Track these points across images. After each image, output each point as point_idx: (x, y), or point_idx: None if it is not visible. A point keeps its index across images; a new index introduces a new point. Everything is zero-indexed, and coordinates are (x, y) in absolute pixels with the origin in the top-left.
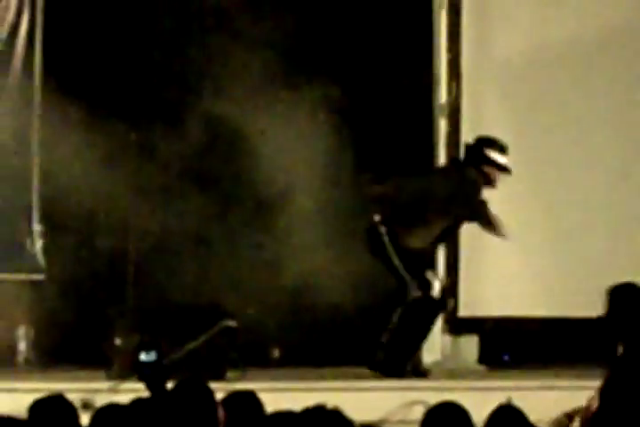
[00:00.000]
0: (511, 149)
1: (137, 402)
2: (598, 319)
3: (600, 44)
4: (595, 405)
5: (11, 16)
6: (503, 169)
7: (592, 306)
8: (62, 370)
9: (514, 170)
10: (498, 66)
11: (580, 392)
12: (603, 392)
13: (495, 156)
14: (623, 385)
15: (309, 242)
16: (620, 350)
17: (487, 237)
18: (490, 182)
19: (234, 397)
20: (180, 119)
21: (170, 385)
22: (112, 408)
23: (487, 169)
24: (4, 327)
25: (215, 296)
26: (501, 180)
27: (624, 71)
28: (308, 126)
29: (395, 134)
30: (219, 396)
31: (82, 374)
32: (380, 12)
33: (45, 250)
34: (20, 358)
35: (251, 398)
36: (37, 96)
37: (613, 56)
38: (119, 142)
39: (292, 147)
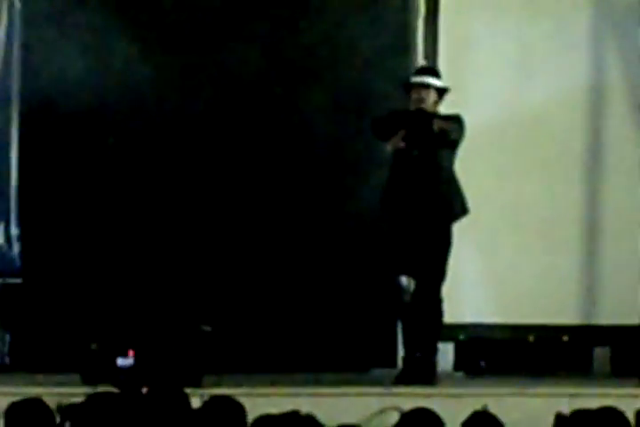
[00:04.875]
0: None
1: (111, 407)
2: None
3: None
4: None
5: None
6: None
7: (568, 312)
8: (38, 374)
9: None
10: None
11: (555, 399)
12: None
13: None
14: None
15: None
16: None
17: (462, 243)
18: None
19: (214, 401)
20: None
21: (145, 391)
22: (86, 412)
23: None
24: None
25: None
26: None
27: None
28: None
29: None
30: (194, 402)
31: (57, 378)
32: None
33: (23, 254)
34: None
35: (232, 404)
36: (15, 99)
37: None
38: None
39: None
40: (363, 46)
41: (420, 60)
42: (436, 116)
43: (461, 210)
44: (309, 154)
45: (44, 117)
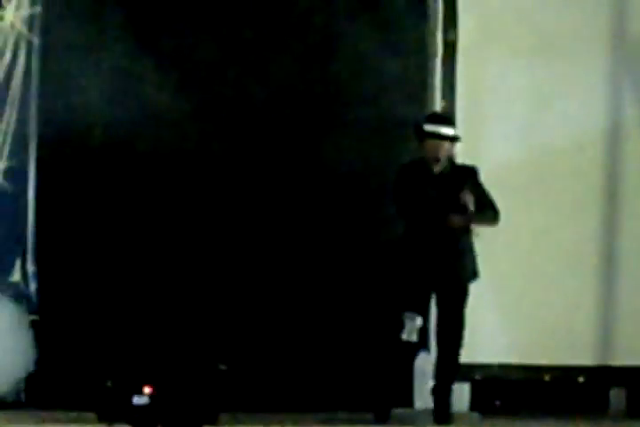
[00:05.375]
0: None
1: None
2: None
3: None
4: None
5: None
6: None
7: (584, 353)
8: (54, 411)
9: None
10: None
11: None
12: None
13: (427, 127)
14: None
15: None
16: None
17: (479, 283)
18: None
19: None
20: None
21: None
22: None
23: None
24: None
25: None
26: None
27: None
28: None
29: None
30: None
31: (73, 415)
32: None
33: (40, 291)
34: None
35: None
36: (33, 140)
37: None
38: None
39: None
40: (382, 90)
41: (438, 103)
42: (465, 185)
43: (474, 275)
44: (333, 184)
45: (60, 155)
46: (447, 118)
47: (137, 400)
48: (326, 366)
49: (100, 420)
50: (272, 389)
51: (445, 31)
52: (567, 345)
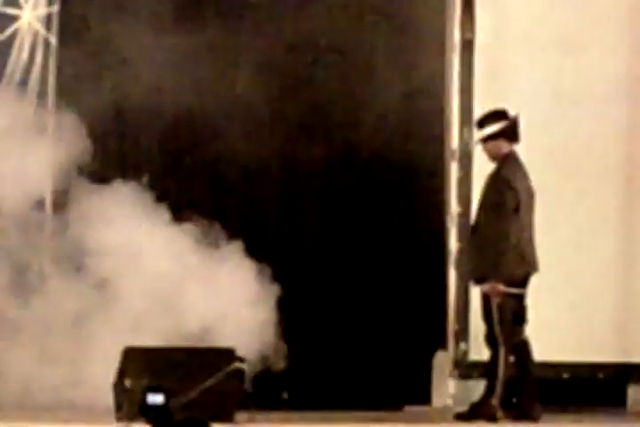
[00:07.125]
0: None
1: None
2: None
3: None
4: None
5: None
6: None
7: (603, 350)
8: (73, 411)
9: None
10: None
11: None
12: None
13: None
14: None
15: None
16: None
17: None
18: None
19: None
20: None
21: None
22: None
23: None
24: None
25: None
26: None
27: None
28: None
29: None
30: None
31: (92, 415)
32: None
33: None
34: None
35: None
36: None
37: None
38: None
39: None
40: (400, 78)
41: (456, 101)
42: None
43: None
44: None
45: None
46: (490, 115)
47: (152, 399)
48: (346, 364)
49: (118, 419)
50: (290, 387)
51: (463, 29)
52: (586, 342)
